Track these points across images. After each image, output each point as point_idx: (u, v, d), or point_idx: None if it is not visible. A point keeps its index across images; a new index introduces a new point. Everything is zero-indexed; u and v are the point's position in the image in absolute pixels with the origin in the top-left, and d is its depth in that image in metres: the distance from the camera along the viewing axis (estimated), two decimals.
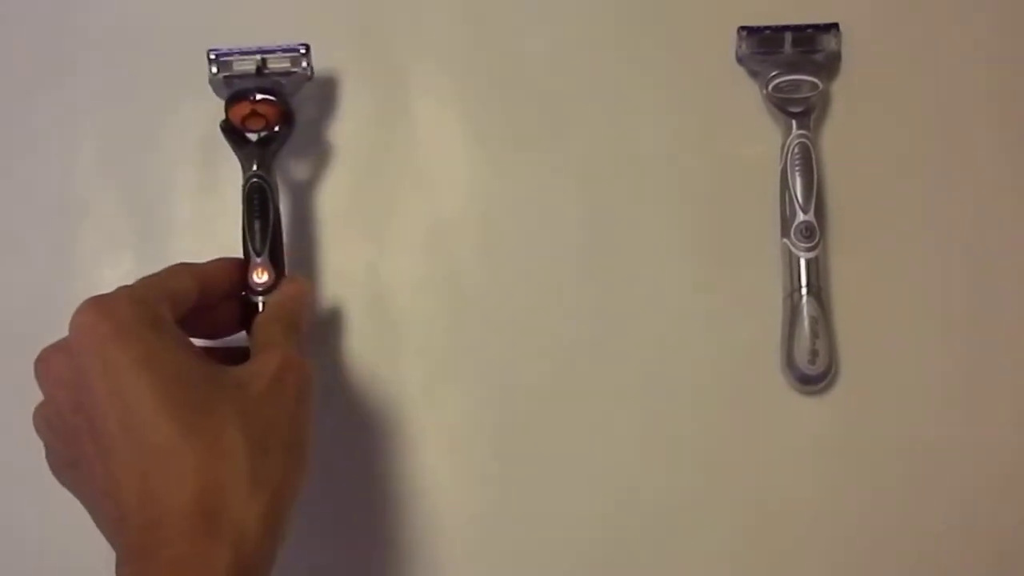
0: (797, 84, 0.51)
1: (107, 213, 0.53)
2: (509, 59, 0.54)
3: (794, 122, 0.51)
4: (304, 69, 0.51)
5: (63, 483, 0.41)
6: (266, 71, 0.51)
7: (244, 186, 0.49)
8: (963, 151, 0.52)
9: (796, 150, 0.50)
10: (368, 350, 0.51)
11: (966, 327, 0.51)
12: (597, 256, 0.52)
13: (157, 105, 0.54)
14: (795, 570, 0.50)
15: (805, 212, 0.50)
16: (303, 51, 0.51)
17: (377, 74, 0.54)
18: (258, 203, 0.49)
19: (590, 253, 0.52)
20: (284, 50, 0.51)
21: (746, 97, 0.53)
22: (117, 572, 0.36)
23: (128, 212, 0.53)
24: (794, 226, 0.50)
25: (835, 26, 0.53)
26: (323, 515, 0.49)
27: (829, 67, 0.53)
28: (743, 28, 0.52)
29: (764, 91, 0.52)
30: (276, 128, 0.49)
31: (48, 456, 0.41)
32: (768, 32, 0.52)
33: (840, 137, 0.53)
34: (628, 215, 0.52)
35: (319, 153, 0.53)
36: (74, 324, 0.38)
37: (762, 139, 0.52)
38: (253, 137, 0.49)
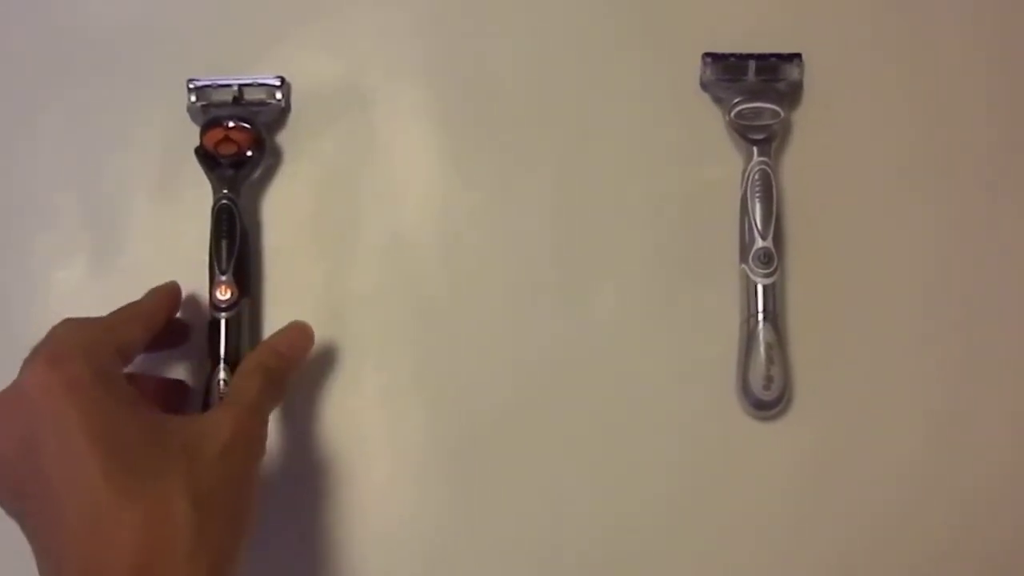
0: (759, 112, 0.52)
1: (65, 216, 0.54)
2: (475, 77, 0.55)
3: (755, 149, 0.51)
4: (279, 101, 0.54)
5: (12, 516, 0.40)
6: (243, 101, 0.54)
7: (213, 207, 0.51)
8: (920, 181, 0.52)
9: (756, 177, 0.51)
10: (326, 363, 0.52)
11: (920, 355, 0.50)
12: (559, 274, 0.53)
13: (121, 109, 0.55)
14: None
15: (764, 238, 0.50)
16: (279, 83, 0.54)
17: (340, 87, 0.55)
18: (226, 223, 0.51)
19: (552, 271, 0.53)
20: (260, 83, 0.54)
21: (711, 122, 0.53)
22: None
23: (86, 216, 0.54)
24: (752, 252, 0.50)
25: (798, 56, 0.53)
26: (277, 526, 0.51)
27: (791, 96, 0.53)
28: (708, 54, 0.53)
29: (727, 117, 0.52)
30: (248, 153, 0.52)
31: None
32: (732, 59, 0.53)
33: (801, 165, 0.53)
34: (590, 235, 0.53)
35: (277, 164, 0.55)
36: (26, 377, 0.38)
37: (725, 164, 0.53)
38: (225, 162, 0.52)
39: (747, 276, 0.50)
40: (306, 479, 0.51)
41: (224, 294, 0.50)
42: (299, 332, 0.49)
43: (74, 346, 0.40)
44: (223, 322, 0.50)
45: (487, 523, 0.51)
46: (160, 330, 0.47)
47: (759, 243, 0.50)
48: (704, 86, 0.54)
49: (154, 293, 0.48)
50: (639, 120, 0.54)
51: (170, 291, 0.48)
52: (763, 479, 0.50)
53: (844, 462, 0.50)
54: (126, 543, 0.35)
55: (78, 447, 0.37)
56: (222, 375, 0.50)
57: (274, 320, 0.53)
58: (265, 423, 0.43)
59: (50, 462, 0.37)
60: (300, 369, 0.49)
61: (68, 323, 0.42)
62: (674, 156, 0.54)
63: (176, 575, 0.36)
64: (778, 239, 0.50)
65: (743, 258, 0.51)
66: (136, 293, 0.53)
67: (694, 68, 0.53)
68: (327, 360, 0.52)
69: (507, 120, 0.54)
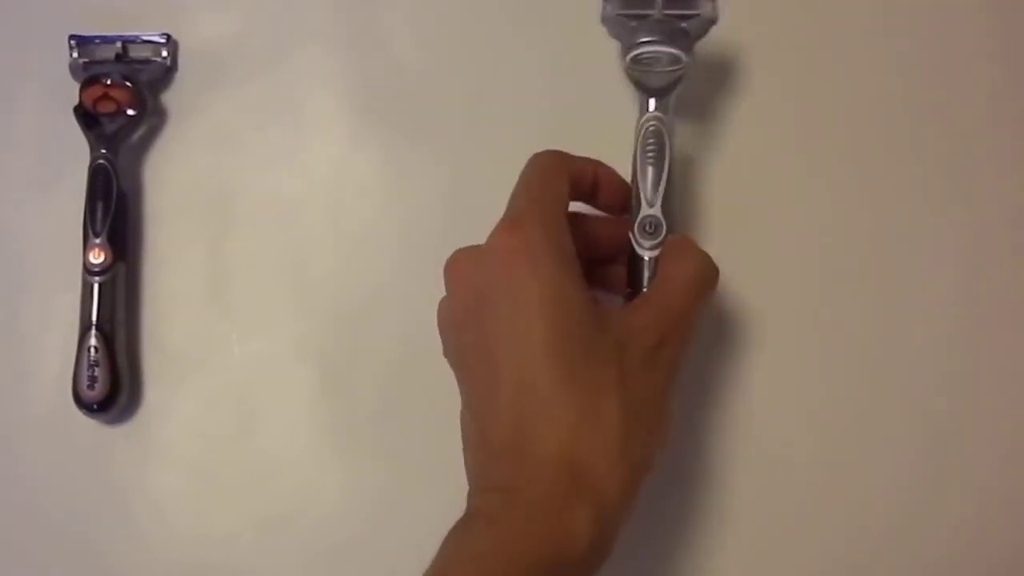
0: (657, 56, 0.46)
1: None
2: (371, 42, 0.53)
3: (652, 100, 0.45)
4: (164, 58, 0.52)
5: (447, 356, 0.41)
6: (126, 58, 0.52)
7: (90, 167, 0.50)
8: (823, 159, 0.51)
9: (649, 133, 0.45)
10: (207, 332, 0.51)
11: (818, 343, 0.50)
12: (447, 248, 0.51)
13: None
14: None
15: (651, 205, 0.44)
16: (164, 40, 0.52)
17: (231, 46, 0.53)
18: (102, 185, 0.49)
19: (442, 244, 0.51)
20: (145, 40, 0.52)
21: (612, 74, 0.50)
22: (471, 495, 0.37)
23: None
24: (638, 220, 0.43)
25: None
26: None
27: (696, 39, 0.47)
28: None
29: (624, 62, 0.46)
30: (128, 112, 0.50)
31: (443, 340, 0.41)
32: None
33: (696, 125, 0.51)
34: (483, 209, 0.51)
35: (161, 125, 0.53)
36: (490, 243, 0.38)
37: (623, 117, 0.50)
38: (104, 121, 0.50)
39: (632, 247, 0.44)
40: (186, 450, 0.50)
41: (97, 257, 0.49)
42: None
43: (531, 220, 0.39)
44: (96, 287, 0.49)
45: (377, 494, 0.49)
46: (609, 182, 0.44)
47: (645, 210, 0.43)
48: (604, 21, 0.48)
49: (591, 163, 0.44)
50: (530, 88, 0.52)
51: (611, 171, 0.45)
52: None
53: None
54: (557, 429, 0.35)
55: (528, 315, 0.36)
56: (93, 341, 0.48)
57: (154, 286, 0.51)
58: (689, 333, 0.39)
59: (497, 322, 0.37)
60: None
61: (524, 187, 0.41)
62: (577, 118, 0.52)
63: (603, 472, 0.35)
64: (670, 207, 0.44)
65: (629, 226, 0.44)
66: (11, 255, 0.51)
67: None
68: (208, 328, 0.51)
69: (402, 88, 0.53)
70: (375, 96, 0.53)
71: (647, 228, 0.44)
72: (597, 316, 0.37)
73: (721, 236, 0.50)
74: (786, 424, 0.48)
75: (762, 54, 0.52)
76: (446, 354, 0.40)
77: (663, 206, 0.43)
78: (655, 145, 0.44)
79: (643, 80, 0.45)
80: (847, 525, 0.48)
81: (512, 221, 0.39)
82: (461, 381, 0.39)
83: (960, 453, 0.48)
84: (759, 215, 0.51)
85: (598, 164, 0.44)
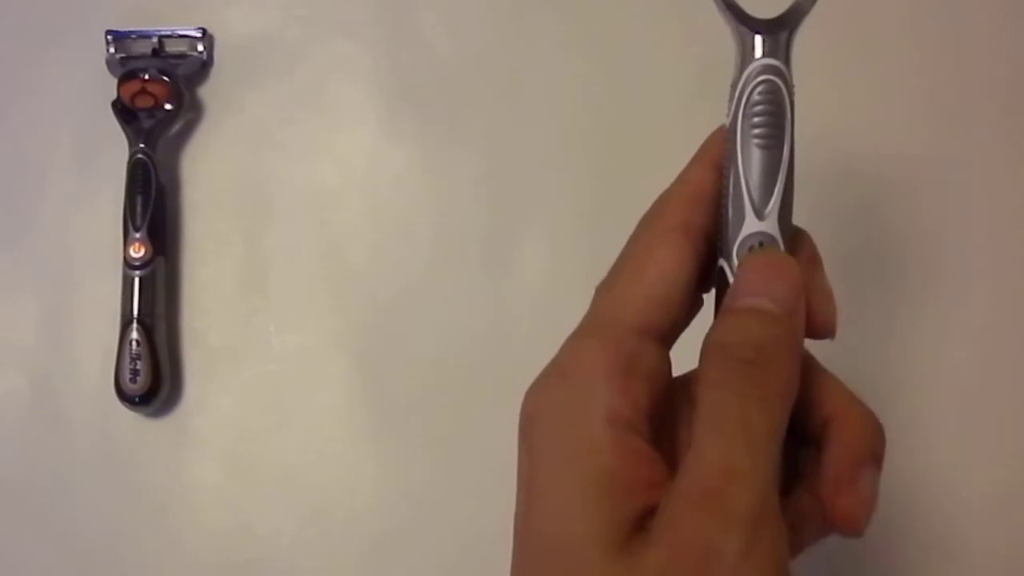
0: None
1: None
2: (405, 34, 0.53)
3: (759, 40, 0.29)
4: (200, 53, 0.52)
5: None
6: (162, 53, 0.52)
7: (129, 162, 0.50)
8: None
9: (759, 96, 0.28)
10: (245, 325, 0.51)
11: None
12: (485, 237, 0.51)
13: (38, 62, 0.53)
14: None
15: (761, 217, 0.28)
16: (200, 35, 0.52)
17: (266, 41, 0.53)
18: (141, 179, 0.50)
19: (479, 234, 0.51)
20: (181, 35, 0.52)
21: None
22: None
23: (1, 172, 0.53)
24: (740, 239, 0.28)
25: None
26: None
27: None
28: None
29: None
30: (166, 107, 0.51)
31: None
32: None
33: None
34: (519, 197, 0.51)
35: (198, 119, 0.53)
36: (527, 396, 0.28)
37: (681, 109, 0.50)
38: (142, 115, 0.50)
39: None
40: (225, 443, 0.50)
41: (138, 252, 0.49)
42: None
43: (592, 353, 0.28)
44: (137, 280, 0.49)
45: (415, 487, 0.49)
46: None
47: (752, 224, 0.28)
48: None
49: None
50: (563, 82, 0.52)
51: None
52: None
53: None
54: None
55: (566, 496, 0.26)
56: (135, 335, 0.49)
57: (193, 280, 0.51)
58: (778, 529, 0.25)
59: (522, 494, 0.27)
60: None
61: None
62: (621, 110, 0.51)
63: None
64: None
65: (721, 248, 0.29)
66: (53, 252, 0.52)
67: None
68: (246, 321, 0.51)
69: (437, 80, 0.53)
70: (410, 88, 0.53)
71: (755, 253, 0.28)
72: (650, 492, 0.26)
73: None
74: None
75: None
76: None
77: (786, 219, 0.28)
78: (770, 114, 0.28)
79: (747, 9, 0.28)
80: None
81: (551, 379, 0.28)
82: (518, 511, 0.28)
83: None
84: None
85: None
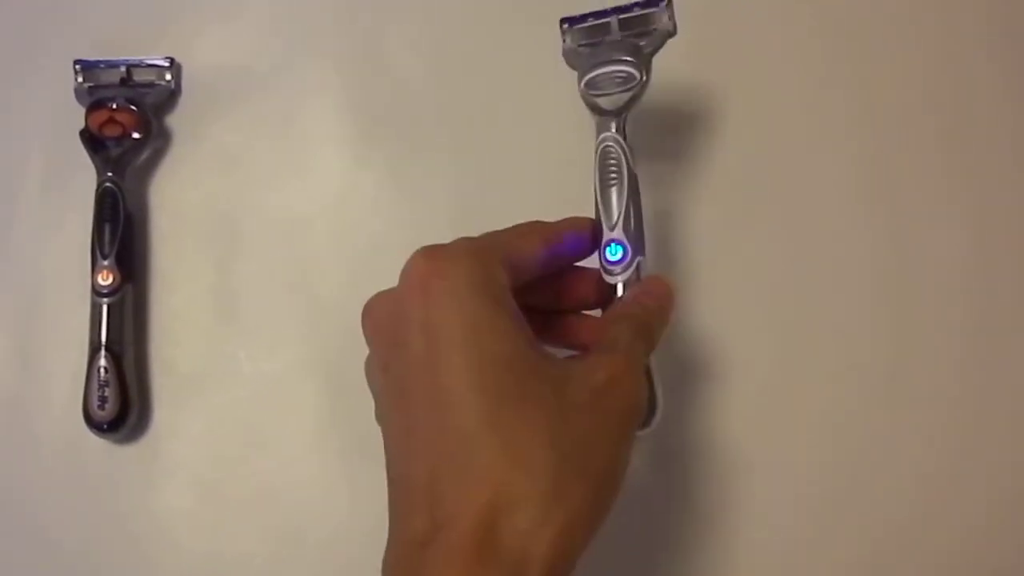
0: (611, 76, 0.44)
1: None
2: (373, 62, 0.54)
3: (609, 123, 0.44)
4: (168, 82, 0.53)
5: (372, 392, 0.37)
6: (131, 82, 0.52)
7: (97, 190, 0.50)
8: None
9: (605, 154, 0.43)
10: (214, 352, 0.51)
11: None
12: None
13: (5, 91, 0.54)
14: None
15: (612, 229, 0.42)
16: (168, 64, 0.53)
17: (234, 70, 0.54)
18: (109, 207, 0.50)
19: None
20: (149, 64, 0.53)
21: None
22: (387, 550, 0.33)
23: None
24: (602, 245, 0.42)
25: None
26: None
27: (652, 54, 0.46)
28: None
29: (580, 90, 0.46)
30: (134, 135, 0.51)
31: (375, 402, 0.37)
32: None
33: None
34: (489, 223, 0.52)
35: (167, 147, 0.54)
36: (404, 273, 0.34)
37: None
38: (110, 144, 0.51)
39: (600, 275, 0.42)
40: (196, 469, 0.50)
41: (106, 279, 0.49)
42: (659, 283, 0.41)
43: (459, 245, 0.35)
44: (105, 307, 0.49)
45: (386, 510, 0.50)
46: (565, 260, 0.41)
47: (607, 234, 0.42)
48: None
49: (567, 220, 0.41)
50: (535, 105, 0.53)
51: (583, 220, 0.42)
52: None
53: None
54: (479, 475, 0.30)
55: (447, 354, 0.32)
56: (103, 362, 0.49)
57: (162, 307, 0.51)
58: (641, 376, 0.36)
59: (413, 369, 0.33)
60: (667, 324, 0.40)
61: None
62: (573, 140, 0.52)
63: (526, 526, 0.30)
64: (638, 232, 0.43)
65: (599, 254, 0.43)
66: (22, 279, 0.52)
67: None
68: (216, 348, 0.51)
69: (406, 105, 0.53)
70: (379, 114, 0.53)
71: (610, 252, 0.42)
72: (530, 358, 0.33)
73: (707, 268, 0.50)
74: (790, 431, 0.49)
75: (727, 94, 0.52)
76: (376, 419, 0.36)
77: (631, 231, 0.42)
78: (612, 166, 0.43)
79: (599, 103, 0.44)
80: (857, 536, 0.48)
81: (431, 247, 0.35)
82: (383, 437, 0.35)
83: (967, 459, 0.48)
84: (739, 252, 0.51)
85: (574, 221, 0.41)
